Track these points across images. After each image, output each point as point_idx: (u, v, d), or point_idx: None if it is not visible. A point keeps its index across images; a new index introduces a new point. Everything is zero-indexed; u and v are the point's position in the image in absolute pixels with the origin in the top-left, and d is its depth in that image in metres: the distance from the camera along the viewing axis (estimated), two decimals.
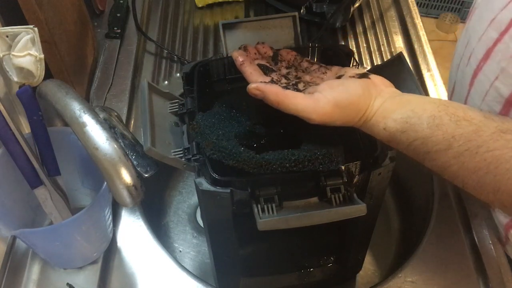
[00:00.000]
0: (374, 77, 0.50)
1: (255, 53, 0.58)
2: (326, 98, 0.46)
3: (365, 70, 0.52)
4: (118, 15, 0.95)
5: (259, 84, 0.48)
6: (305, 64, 0.57)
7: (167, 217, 0.86)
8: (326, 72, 0.54)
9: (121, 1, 0.97)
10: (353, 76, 0.50)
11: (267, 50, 0.59)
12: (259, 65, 0.55)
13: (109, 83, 0.85)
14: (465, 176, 0.42)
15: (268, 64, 0.56)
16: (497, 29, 0.54)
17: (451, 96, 0.72)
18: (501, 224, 0.65)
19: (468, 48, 0.62)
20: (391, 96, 0.48)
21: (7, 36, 0.56)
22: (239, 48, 0.58)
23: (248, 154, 0.47)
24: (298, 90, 0.50)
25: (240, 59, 0.55)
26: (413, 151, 0.45)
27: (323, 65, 0.56)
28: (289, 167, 0.47)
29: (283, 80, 0.53)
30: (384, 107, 0.47)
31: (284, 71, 0.56)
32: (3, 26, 0.59)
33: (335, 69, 0.54)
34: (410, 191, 0.84)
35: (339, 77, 0.52)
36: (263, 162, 0.46)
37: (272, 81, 0.52)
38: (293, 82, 0.53)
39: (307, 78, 0.54)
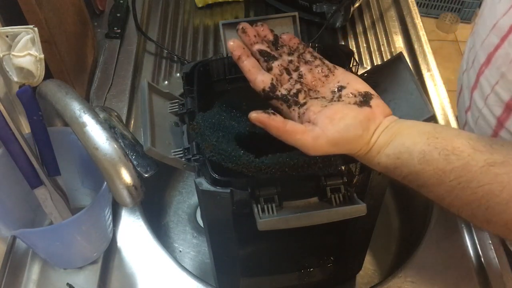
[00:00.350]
0: (375, 106, 0.49)
1: (255, 36, 0.55)
2: (325, 135, 0.46)
3: (368, 89, 0.51)
4: (118, 15, 0.95)
5: (260, 116, 0.47)
6: (307, 56, 0.55)
7: (167, 217, 0.86)
8: (328, 76, 0.53)
9: (121, 1, 0.97)
10: (355, 96, 0.50)
11: (267, 33, 0.56)
12: (260, 52, 0.53)
13: (109, 83, 0.85)
14: (460, 207, 0.44)
15: (269, 50, 0.54)
16: (498, 35, 0.54)
17: (458, 98, 0.72)
18: None
19: (473, 52, 0.63)
20: (387, 130, 0.48)
21: (7, 36, 0.56)
22: (237, 30, 0.55)
23: (247, 158, 0.47)
24: (297, 103, 0.50)
25: (237, 53, 0.53)
26: (408, 183, 0.46)
27: (325, 62, 0.54)
28: (288, 171, 0.47)
29: (285, 76, 0.52)
30: (378, 142, 0.47)
31: (285, 58, 0.54)
32: (3, 26, 0.59)
33: (338, 74, 0.53)
34: (410, 191, 0.84)
35: (340, 88, 0.51)
36: (262, 166, 0.46)
37: (272, 85, 0.51)
38: (294, 91, 0.51)
39: (308, 78, 0.53)
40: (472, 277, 0.64)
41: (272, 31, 0.57)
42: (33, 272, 0.63)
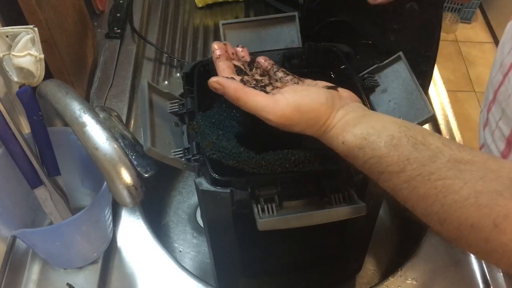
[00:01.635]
0: (342, 91, 0.50)
1: (233, 53, 0.57)
2: (286, 99, 0.46)
3: (335, 85, 0.51)
4: (118, 15, 0.95)
5: (220, 78, 0.48)
6: (280, 74, 0.55)
7: (167, 217, 0.86)
8: (298, 83, 0.53)
9: (121, 1, 0.97)
10: (324, 87, 0.50)
11: (246, 55, 0.57)
12: (235, 66, 0.55)
13: (109, 83, 0.85)
14: (415, 202, 0.41)
15: (242, 67, 0.55)
16: (502, 72, 0.56)
17: (479, 138, 0.73)
18: None
19: (486, 91, 0.66)
20: (355, 111, 0.47)
21: (7, 36, 0.56)
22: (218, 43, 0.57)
23: (248, 154, 0.47)
24: (265, 91, 0.50)
25: (218, 52, 0.54)
26: (368, 169, 0.44)
27: (297, 76, 0.54)
28: (289, 167, 0.47)
29: (254, 83, 0.53)
30: (346, 120, 0.46)
31: (257, 77, 0.55)
32: (3, 26, 0.59)
33: (308, 81, 0.53)
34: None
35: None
36: (263, 162, 0.46)
37: (242, 81, 0.51)
38: (262, 85, 0.52)
39: (278, 84, 0.53)
40: (472, 277, 0.64)
41: (251, 54, 0.58)
42: (33, 272, 0.63)
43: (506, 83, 0.54)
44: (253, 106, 0.46)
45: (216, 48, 0.55)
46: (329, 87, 0.50)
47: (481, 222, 0.35)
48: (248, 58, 0.57)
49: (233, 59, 0.56)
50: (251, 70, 0.56)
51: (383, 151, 0.42)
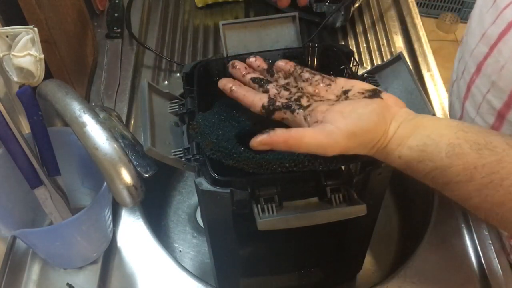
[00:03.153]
0: (386, 97, 0.46)
1: (245, 68, 0.54)
2: (339, 130, 0.42)
3: (374, 86, 0.48)
4: (116, 15, 0.95)
5: (260, 138, 0.44)
6: (306, 75, 0.52)
7: (167, 217, 0.86)
8: (330, 84, 0.50)
9: (117, 1, 0.96)
10: (362, 93, 0.47)
11: (261, 63, 0.54)
12: (253, 80, 0.52)
13: (109, 83, 0.85)
14: (488, 210, 0.39)
15: (262, 76, 0.52)
16: (487, 44, 0.55)
17: (449, 108, 0.73)
18: (504, 234, 0.65)
19: (462, 63, 0.63)
20: (406, 119, 0.44)
21: (7, 36, 0.56)
22: (228, 66, 0.54)
23: (248, 154, 0.47)
24: (301, 106, 0.47)
25: (228, 86, 0.51)
26: (431, 181, 0.42)
27: (326, 76, 0.52)
28: (289, 167, 0.47)
29: (283, 92, 0.50)
30: (399, 133, 0.43)
31: (282, 81, 0.52)
32: (3, 26, 0.59)
33: (341, 81, 0.50)
34: (410, 191, 0.84)
35: (345, 92, 0.49)
36: (263, 162, 0.46)
37: (271, 99, 0.48)
38: (295, 97, 0.48)
39: (309, 89, 0.50)
40: (472, 277, 0.64)
41: (266, 60, 0.54)
42: (33, 272, 0.63)
43: (496, 54, 0.52)
44: (308, 148, 0.43)
45: (224, 83, 0.52)
46: (371, 94, 0.47)
47: None
48: (265, 66, 0.54)
49: (249, 72, 0.53)
50: (272, 76, 0.53)
51: (445, 162, 0.40)
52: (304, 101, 0.48)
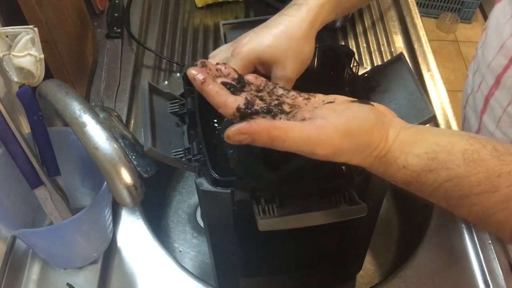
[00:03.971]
0: (377, 105, 0.41)
1: (217, 70, 0.46)
2: (332, 125, 0.36)
3: (363, 99, 0.43)
4: (116, 14, 0.94)
5: (240, 125, 0.37)
6: (279, 91, 0.45)
7: (167, 217, 0.86)
8: (309, 99, 0.44)
9: (117, 1, 0.96)
10: (350, 102, 0.41)
11: (231, 72, 0.47)
12: (224, 83, 0.43)
13: (110, 83, 0.85)
14: (489, 223, 0.35)
15: (234, 83, 0.44)
16: (506, 55, 0.53)
17: (463, 123, 0.72)
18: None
19: (478, 75, 0.61)
20: (404, 127, 0.40)
21: (7, 36, 0.56)
22: (195, 64, 0.46)
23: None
24: (283, 111, 0.40)
25: (200, 77, 0.42)
26: (443, 194, 0.36)
27: (301, 93, 0.45)
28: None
29: (258, 101, 0.42)
30: (401, 139, 0.38)
31: (254, 93, 0.44)
32: (3, 26, 0.59)
33: (320, 96, 0.44)
34: (410, 191, 0.84)
35: (327, 103, 0.42)
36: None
37: (248, 101, 0.41)
38: (275, 103, 0.42)
39: (288, 100, 0.43)
40: (472, 277, 0.64)
41: (236, 70, 0.48)
42: (33, 272, 0.63)
43: None
44: (293, 144, 0.36)
45: (195, 72, 0.42)
46: (361, 102, 0.41)
47: None
48: (235, 75, 0.47)
49: (219, 76, 0.46)
50: (243, 87, 0.45)
51: (462, 170, 0.35)
52: (286, 107, 0.42)
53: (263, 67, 0.50)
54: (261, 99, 0.43)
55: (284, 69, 0.49)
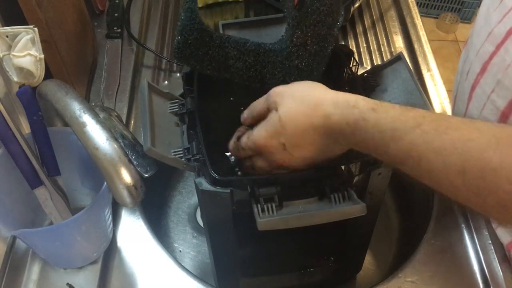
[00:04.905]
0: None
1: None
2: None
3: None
4: (116, 14, 0.94)
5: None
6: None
7: (167, 217, 0.86)
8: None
9: (117, 1, 0.96)
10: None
11: None
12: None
13: (110, 83, 0.85)
14: (430, 158, 0.40)
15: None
16: (493, 43, 0.54)
17: (453, 110, 0.72)
18: (504, 244, 0.65)
19: (467, 64, 0.62)
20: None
21: (7, 36, 0.56)
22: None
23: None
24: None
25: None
26: (378, 130, 0.42)
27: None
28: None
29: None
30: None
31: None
32: (3, 26, 0.59)
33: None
34: (410, 191, 0.84)
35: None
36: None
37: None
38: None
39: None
40: (472, 277, 0.64)
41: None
42: (33, 272, 0.63)
43: (502, 53, 0.52)
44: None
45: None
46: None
47: (505, 163, 0.35)
48: None
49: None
50: None
51: (397, 112, 0.42)
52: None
53: None
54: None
55: None
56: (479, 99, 0.58)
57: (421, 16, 1.00)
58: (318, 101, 0.46)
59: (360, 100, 0.44)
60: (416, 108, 0.42)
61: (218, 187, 0.47)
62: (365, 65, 0.91)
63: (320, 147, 0.46)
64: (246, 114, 0.52)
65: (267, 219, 0.45)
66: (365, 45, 0.95)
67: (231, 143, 0.53)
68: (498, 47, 0.53)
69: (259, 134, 0.48)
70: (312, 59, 0.55)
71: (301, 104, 0.46)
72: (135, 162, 0.51)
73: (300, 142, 0.46)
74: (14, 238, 0.66)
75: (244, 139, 0.50)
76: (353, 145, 0.46)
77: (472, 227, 0.68)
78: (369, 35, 0.97)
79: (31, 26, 0.56)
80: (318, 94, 0.46)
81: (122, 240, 0.67)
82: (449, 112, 0.82)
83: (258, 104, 0.50)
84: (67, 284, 0.62)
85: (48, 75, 0.61)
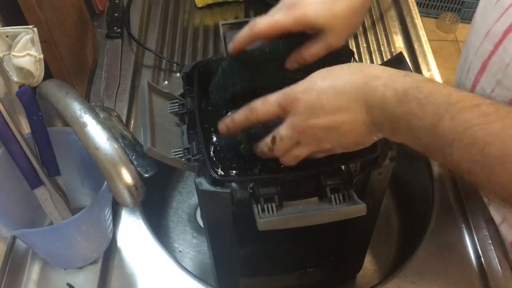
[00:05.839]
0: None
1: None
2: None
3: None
4: (116, 15, 0.94)
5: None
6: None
7: (167, 217, 0.86)
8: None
9: (117, 1, 0.96)
10: None
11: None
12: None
13: (110, 83, 0.85)
14: (487, 141, 0.36)
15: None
16: (491, 42, 0.54)
17: None
18: (507, 241, 0.65)
19: (467, 62, 0.62)
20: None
21: (7, 36, 0.56)
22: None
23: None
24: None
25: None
26: (431, 102, 0.39)
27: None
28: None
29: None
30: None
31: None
32: (3, 26, 0.59)
33: None
34: (410, 191, 0.84)
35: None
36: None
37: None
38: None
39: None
40: (472, 277, 0.64)
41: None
42: (33, 272, 0.63)
43: (501, 52, 0.52)
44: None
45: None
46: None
47: None
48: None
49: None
50: None
51: (453, 89, 0.39)
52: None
53: (311, 29, 0.51)
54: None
55: (334, 38, 0.51)
56: None
57: (421, 16, 1.00)
58: (364, 64, 0.44)
59: (413, 73, 0.41)
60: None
61: (218, 187, 0.47)
62: None
63: (349, 119, 0.42)
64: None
65: (267, 219, 0.45)
66: (365, 45, 0.95)
67: (266, 141, 0.47)
68: (496, 46, 0.53)
69: (292, 87, 0.44)
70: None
71: (344, 66, 0.44)
72: (135, 162, 0.51)
73: (333, 102, 0.42)
74: (14, 238, 0.66)
75: (272, 94, 0.45)
76: (391, 121, 0.41)
77: (472, 227, 0.68)
78: (369, 35, 0.97)
79: (31, 26, 0.56)
80: (364, 64, 0.45)
81: (122, 240, 0.67)
82: None
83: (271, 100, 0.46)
84: (67, 284, 0.62)
85: (48, 75, 0.61)
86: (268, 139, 0.46)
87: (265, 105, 0.45)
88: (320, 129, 0.44)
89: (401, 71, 0.42)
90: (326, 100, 0.42)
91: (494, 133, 0.36)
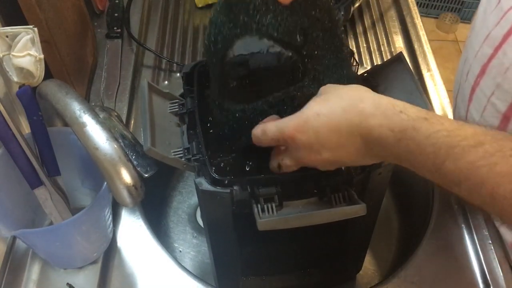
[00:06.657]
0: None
1: None
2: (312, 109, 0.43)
3: None
4: (116, 15, 0.94)
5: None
6: None
7: (167, 217, 0.86)
8: None
9: (117, 1, 0.96)
10: None
11: None
12: None
13: (110, 83, 0.85)
14: (494, 183, 0.35)
15: None
16: (491, 45, 0.54)
17: (454, 111, 0.72)
18: (507, 241, 0.65)
19: (466, 65, 0.62)
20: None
21: (7, 36, 0.56)
22: None
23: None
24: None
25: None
26: (431, 144, 0.37)
27: None
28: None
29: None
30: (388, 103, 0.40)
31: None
32: (3, 26, 0.59)
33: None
34: (410, 191, 0.84)
35: None
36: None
37: None
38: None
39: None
40: (472, 277, 0.64)
41: None
42: (33, 272, 0.63)
43: (501, 56, 0.52)
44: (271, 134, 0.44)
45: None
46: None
47: None
48: None
49: None
50: None
51: (453, 125, 0.37)
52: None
53: None
54: None
55: None
56: (480, 102, 0.58)
57: (421, 16, 1.00)
58: (358, 97, 0.41)
59: (409, 106, 0.40)
60: (471, 123, 0.38)
61: (218, 187, 0.47)
62: (365, 65, 0.91)
63: (351, 153, 0.42)
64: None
65: (267, 219, 0.45)
66: (365, 45, 0.95)
67: (272, 165, 0.48)
68: (496, 49, 0.53)
69: (287, 122, 0.44)
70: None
71: (338, 98, 0.42)
72: (135, 162, 0.51)
73: (331, 140, 0.42)
74: (14, 238, 0.66)
75: (269, 126, 0.45)
76: (393, 157, 0.41)
77: (472, 227, 0.68)
78: (369, 35, 0.97)
79: (31, 26, 0.56)
80: (359, 91, 0.43)
81: (122, 240, 0.67)
82: (449, 112, 0.82)
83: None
84: (67, 284, 0.62)
85: (48, 75, 0.61)
86: (274, 164, 0.47)
87: (263, 137, 0.46)
88: (323, 161, 0.44)
89: (396, 104, 0.40)
90: (324, 139, 0.42)
91: (500, 174, 0.35)
